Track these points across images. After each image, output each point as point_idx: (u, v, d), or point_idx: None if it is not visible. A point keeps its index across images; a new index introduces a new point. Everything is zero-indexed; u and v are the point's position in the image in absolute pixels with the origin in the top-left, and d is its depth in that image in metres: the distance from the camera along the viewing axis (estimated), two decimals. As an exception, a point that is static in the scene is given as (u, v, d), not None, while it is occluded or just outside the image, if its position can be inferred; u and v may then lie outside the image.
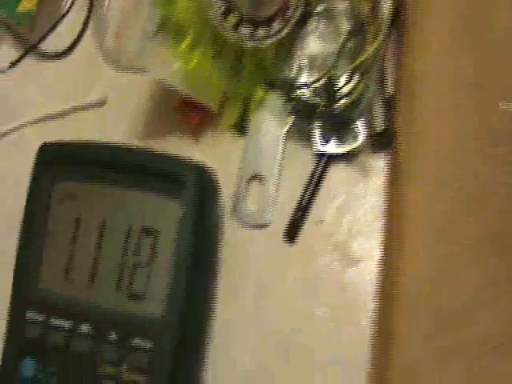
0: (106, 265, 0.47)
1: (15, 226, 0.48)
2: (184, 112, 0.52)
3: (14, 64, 0.59)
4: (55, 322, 0.46)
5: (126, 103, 0.56)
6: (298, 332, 0.48)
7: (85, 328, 0.46)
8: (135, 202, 0.47)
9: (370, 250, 0.49)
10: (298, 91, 0.50)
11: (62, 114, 0.57)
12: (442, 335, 0.42)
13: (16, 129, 0.58)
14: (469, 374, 0.41)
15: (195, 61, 0.48)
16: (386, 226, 0.49)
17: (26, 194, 0.49)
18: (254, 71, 0.50)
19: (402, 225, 0.45)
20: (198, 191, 0.46)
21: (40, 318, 0.47)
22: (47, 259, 0.48)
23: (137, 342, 0.45)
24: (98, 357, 0.45)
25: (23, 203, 0.49)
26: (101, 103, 0.56)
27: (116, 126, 0.55)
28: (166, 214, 0.46)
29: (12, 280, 0.48)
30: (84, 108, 0.56)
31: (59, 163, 0.48)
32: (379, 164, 0.50)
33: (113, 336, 0.45)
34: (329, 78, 0.50)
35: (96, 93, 0.56)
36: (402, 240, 0.45)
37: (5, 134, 0.57)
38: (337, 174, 0.51)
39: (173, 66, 0.48)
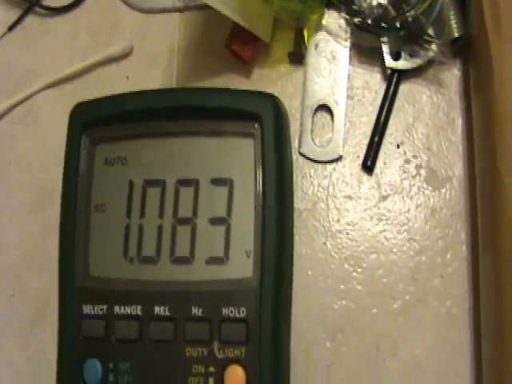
0: (174, 231, 0.43)
1: (39, 207, 0.48)
2: (234, 46, 0.50)
3: (13, 26, 0.55)
4: (121, 311, 0.42)
5: (156, 49, 0.53)
6: (381, 267, 0.47)
7: (160, 311, 0.41)
8: (200, 151, 0.43)
9: (453, 168, 0.47)
10: (364, 4, 0.47)
11: (80, 73, 0.53)
12: None
13: (26, 98, 0.53)
14: None
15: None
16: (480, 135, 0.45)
17: (48, 170, 0.48)
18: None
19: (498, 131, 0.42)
20: (277, 124, 0.43)
21: (100, 310, 0.42)
22: (97, 240, 0.44)
23: (226, 312, 0.41)
24: (182, 339, 0.41)
25: (46, 181, 0.48)
26: (126, 53, 0.52)
27: (149, 75, 0.52)
28: (239, 157, 0.43)
29: (58, 271, 0.44)
30: (107, 62, 0.52)
31: (97, 123, 0.44)
32: (453, 75, 0.49)
33: (196, 312, 0.41)
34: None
35: (119, 43, 0.53)
36: (503, 149, 0.41)
37: (16, 104, 0.53)
38: (409, 90, 0.49)
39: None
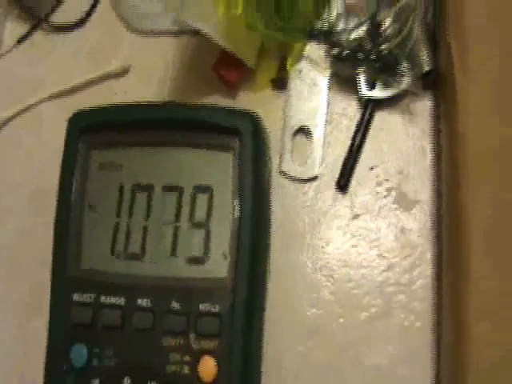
0: (159, 232, 0.47)
1: (37, 206, 0.52)
2: (221, 71, 0.53)
3: (22, 39, 0.59)
4: (107, 300, 0.46)
5: (152, 69, 0.56)
6: (351, 280, 0.50)
7: (142, 302, 0.45)
8: (184, 160, 0.47)
9: (422, 192, 0.50)
10: (342, 37, 0.51)
11: (82, 87, 0.57)
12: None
13: (32, 106, 0.57)
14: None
15: (240, 8, 0.47)
16: (447, 163, 0.48)
17: (45, 173, 0.51)
18: (296, 18, 0.52)
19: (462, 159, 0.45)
20: (255, 140, 0.47)
21: (88, 298, 0.46)
22: (89, 236, 0.48)
23: (203, 307, 0.45)
24: (161, 330, 0.45)
25: (44, 182, 0.51)
26: (124, 71, 0.56)
27: (144, 92, 0.55)
28: (219, 168, 0.47)
29: (51, 262, 0.48)
30: (106, 78, 0.56)
31: (94, 130, 0.48)
32: (425, 105, 0.52)
33: (175, 305, 0.45)
34: (372, 20, 0.51)
35: (117, 61, 0.56)
36: (465, 176, 0.44)
37: (19, 113, 0.57)
38: (383, 118, 0.52)
39: (216, 16, 0.48)
